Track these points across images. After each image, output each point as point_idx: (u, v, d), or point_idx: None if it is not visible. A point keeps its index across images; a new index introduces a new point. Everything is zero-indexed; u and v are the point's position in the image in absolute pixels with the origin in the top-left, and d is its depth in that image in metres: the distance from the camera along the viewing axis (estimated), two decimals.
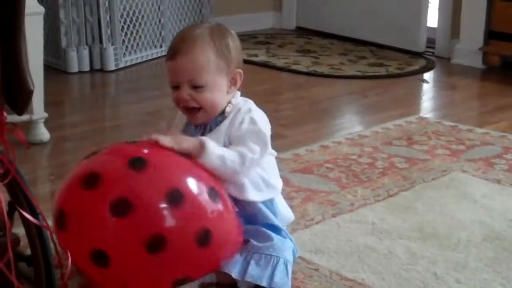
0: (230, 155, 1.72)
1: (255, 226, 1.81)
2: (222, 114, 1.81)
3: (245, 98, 1.85)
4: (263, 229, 1.80)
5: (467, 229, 2.09)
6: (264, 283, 1.71)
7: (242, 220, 1.78)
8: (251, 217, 1.81)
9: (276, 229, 1.82)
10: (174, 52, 1.77)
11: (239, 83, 1.83)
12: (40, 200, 2.26)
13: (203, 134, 1.80)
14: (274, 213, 1.85)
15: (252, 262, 1.74)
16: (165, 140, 1.66)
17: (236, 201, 1.77)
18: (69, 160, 2.68)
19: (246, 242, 1.78)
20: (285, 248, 1.78)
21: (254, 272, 1.72)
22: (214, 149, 1.70)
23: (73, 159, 2.65)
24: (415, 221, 2.13)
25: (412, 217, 2.16)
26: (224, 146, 1.76)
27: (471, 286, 1.79)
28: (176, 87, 1.78)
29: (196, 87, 1.76)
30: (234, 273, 1.72)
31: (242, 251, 1.76)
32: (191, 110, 1.78)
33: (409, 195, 2.33)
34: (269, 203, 1.85)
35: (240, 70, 1.82)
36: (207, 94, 1.76)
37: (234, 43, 1.82)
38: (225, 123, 1.79)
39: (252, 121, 1.78)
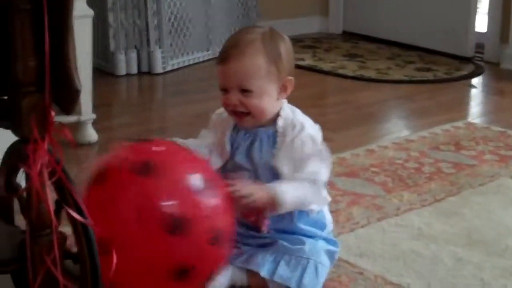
0: (303, 191, 1.72)
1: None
2: (273, 125, 1.79)
3: (292, 107, 1.83)
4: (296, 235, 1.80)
5: None
6: (292, 284, 1.71)
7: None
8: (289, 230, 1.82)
9: (311, 236, 1.81)
10: (225, 57, 1.76)
11: (289, 90, 1.80)
12: None
13: (252, 143, 1.79)
14: (323, 223, 1.85)
15: (282, 262, 1.73)
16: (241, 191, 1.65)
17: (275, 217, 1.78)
18: None
19: (274, 243, 1.78)
20: (317, 250, 1.77)
21: (283, 272, 1.72)
22: (287, 196, 1.69)
23: None
24: (462, 227, 2.11)
25: (459, 223, 2.14)
26: (286, 167, 1.75)
27: None
28: (225, 90, 1.78)
29: (245, 92, 1.74)
30: (263, 272, 1.71)
31: (272, 252, 1.76)
32: (239, 114, 1.77)
33: (456, 200, 2.30)
34: (320, 214, 1.85)
35: (291, 78, 1.79)
36: (256, 100, 1.75)
37: (286, 50, 1.80)
38: (281, 141, 1.77)
39: (314, 141, 1.77)
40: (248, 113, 1.76)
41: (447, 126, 3.04)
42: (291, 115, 1.80)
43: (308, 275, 1.72)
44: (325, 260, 1.77)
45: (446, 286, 1.79)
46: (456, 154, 2.71)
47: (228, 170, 1.81)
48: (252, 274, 1.74)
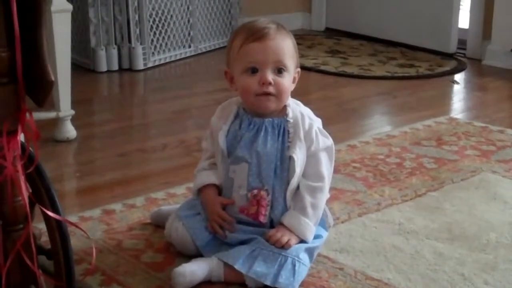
0: (319, 210, 1.80)
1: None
2: (280, 116, 1.79)
3: (293, 99, 1.85)
4: None
5: (496, 230, 2.04)
6: (268, 282, 1.68)
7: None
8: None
9: None
10: (261, 35, 1.75)
11: (296, 82, 1.83)
12: (65, 196, 2.29)
13: (256, 134, 1.78)
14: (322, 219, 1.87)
15: (259, 258, 1.71)
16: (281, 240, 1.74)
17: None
18: (95, 157, 2.67)
19: (255, 239, 1.76)
20: (296, 248, 1.75)
21: (259, 268, 1.69)
22: (312, 230, 1.79)
23: (100, 157, 2.66)
24: (443, 222, 2.10)
25: (440, 218, 2.12)
26: (300, 159, 1.77)
27: (500, 287, 1.75)
28: (253, 71, 1.75)
29: (279, 71, 1.75)
30: (238, 265, 1.69)
31: (251, 246, 1.74)
32: (265, 96, 1.76)
33: (437, 195, 2.29)
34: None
35: (299, 69, 1.84)
36: (287, 81, 1.77)
37: (295, 42, 1.85)
38: (294, 131, 1.77)
39: (324, 136, 1.81)
40: (274, 95, 1.76)
41: (429, 122, 3.03)
42: (297, 107, 1.82)
43: (284, 272, 1.69)
44: (304, 257, 1.75)
45: (426, 281, 1.78)
46: (438, 149, 2.70)
47: (230, 163, 1.81)
48: (229, 268, 1.70)
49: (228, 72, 1.83)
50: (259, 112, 1.79)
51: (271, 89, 1.74)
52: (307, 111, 1.84)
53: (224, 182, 1.82)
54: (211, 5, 4.37)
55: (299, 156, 1.76)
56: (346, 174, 2.43)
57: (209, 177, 1.85)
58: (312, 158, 1.79)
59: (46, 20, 1.34)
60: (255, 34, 1.76)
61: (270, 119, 1.79)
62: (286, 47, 1.77)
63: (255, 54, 1.75)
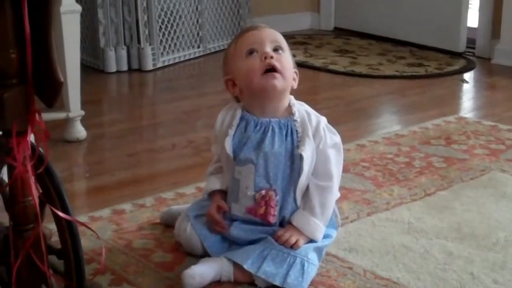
0: (328, 210, 1.80)
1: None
2: (286, 116, 1.79)
3: (298, 101, 1.85)
4: None
5: (506, 229, 2.04)
6: (276, 282, 1.68)
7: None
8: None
9: None
10: (255, 27, 1.82)
11: (297, 82, 1.84)
12: (75, 196, 2.30)
13: (264, 133, 1.78)
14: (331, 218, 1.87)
15: (269, 257, 1.71)
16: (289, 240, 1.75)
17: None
18: (105, 157, 2.69)
19: (264, 238, 1.77)
20: (305, 247, 1.75)
21: (268, 268, 1.69)
22: (321, 230, 1.79)
23: (110, 157, 2.67)
24: (452, 221, 2.09)
25: (449, 217, 2.12)
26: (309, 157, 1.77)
27: (509, 286, 1.75)
28: (253, 52, 1.77)
29: (276, 49, 1.77)
30: (247, 265, 1.69)
31: (260, 245, 1.74)
32: (271, 74, 1.75)
33: (446, 194, 2.28)
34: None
35: (297, 70, 1.84)
36: (285, 59, 1.78)
37: None
38: (303, 130, 1.77)
39: (332, 132, 1.82)
40: (279, 72, 1.75)
41: (438, 121, 3.03)
42: (301, 107, 1.83)
43: (293, 273, 1.69)
44: (313, 257, 1.75)
45: (436, 280, 1.78)
46: (447, 148, 2.70)
47: (235, 164, 1.80)
48: (238, 267, 1.71)
49: (229, 79, 1.82)
50: (265, 110, 1.79)
51: (274, 62, 1.75)
52: (313, 111, 1.84)
53: (231, 183, 1.82)
54: (220, 5, 4.38)
55: (308, 154, 1.75)
56: (355, 174, 2.43)
57: (213, 184, 1.87)
58: (320, 155, 1.78)
59: (55, 21, 1.35)
60: (249, 28, 1.82)
61: (277, 119, 1.78)
62: (280, 36, 1.81)
63: (251, 38, 1.79)
